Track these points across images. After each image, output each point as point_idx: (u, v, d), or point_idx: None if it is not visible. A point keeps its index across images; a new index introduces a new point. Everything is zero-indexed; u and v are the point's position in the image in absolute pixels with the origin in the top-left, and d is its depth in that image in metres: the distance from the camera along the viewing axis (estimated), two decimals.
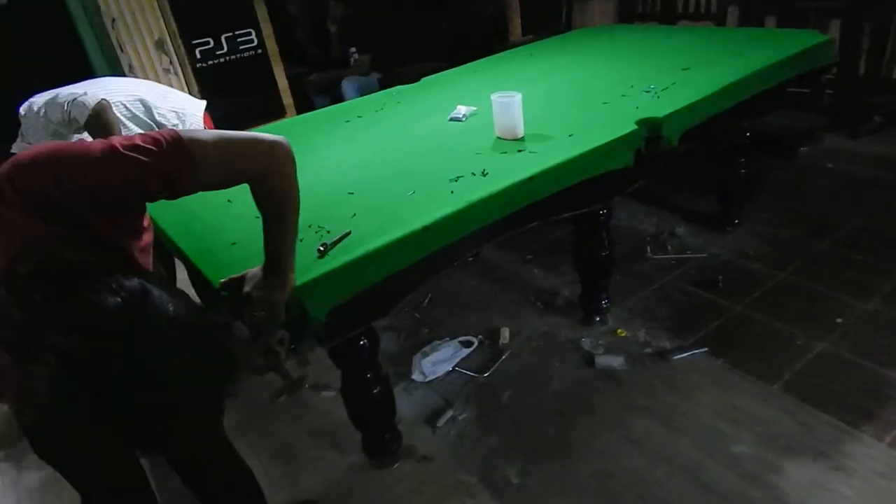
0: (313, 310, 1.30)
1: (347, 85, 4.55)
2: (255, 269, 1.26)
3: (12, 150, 2.11)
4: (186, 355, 0.84)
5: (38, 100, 2.03)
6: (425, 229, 1.44)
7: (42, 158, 0.94)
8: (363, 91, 4.43)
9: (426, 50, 5.31)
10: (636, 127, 1.84)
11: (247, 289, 1.24)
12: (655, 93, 2.09)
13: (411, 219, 1.48)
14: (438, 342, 2.43)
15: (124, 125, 2.15)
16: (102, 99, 1.96)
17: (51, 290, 0.87)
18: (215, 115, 2.79)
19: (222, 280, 1.29)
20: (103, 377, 0.80)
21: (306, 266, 1.32)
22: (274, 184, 1.11)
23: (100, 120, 1.94)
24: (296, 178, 1.14)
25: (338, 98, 4.52)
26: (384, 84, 4.48)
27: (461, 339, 2.43)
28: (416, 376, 2.28)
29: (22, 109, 2.07)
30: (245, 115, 3.56)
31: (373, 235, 1.43)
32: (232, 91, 3.64)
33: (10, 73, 3.86)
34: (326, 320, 1.33)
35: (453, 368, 2.30)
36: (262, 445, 2.08)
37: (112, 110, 2.00)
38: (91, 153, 0.95)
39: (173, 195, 1.01)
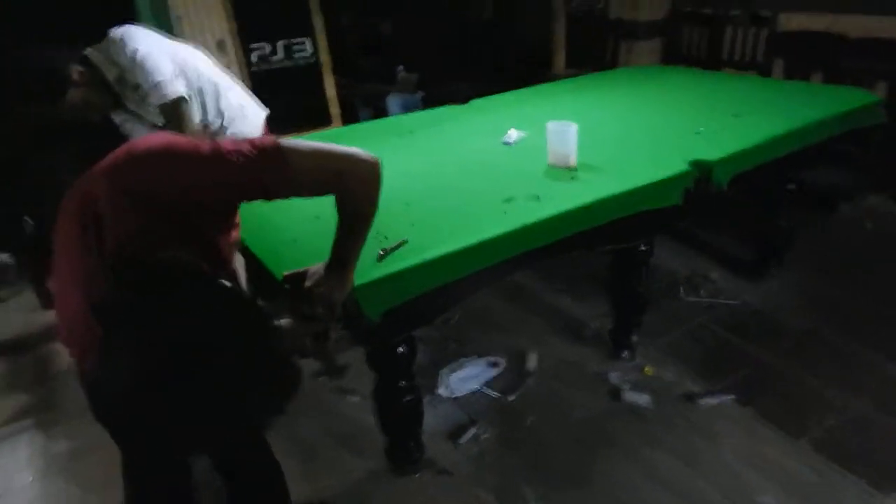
0: (369, 310, 1.33)
1: (392, 100, 4.65)
2: (317, 266, 1.30)
3: (86, 52, 2.07)
4: (259, 372, 0.87)
5: (135, 44, 2.00)
6: (480, 245, 1.48)
7: (157, 154, 1.00)
8: (407, 108, 4.53)
9: (470, 73, 5.40)
10: (688, 167, 1.88)
11: (308, 284, 1.28)
12: (707, 136, 2.13)
13: (466, 234, 1.52)
14: (466, 359, 2.45)
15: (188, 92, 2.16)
16: (181, 96, 2.02)
17: (148, 284, 0.92)
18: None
19: (286, 273, 1.33)
20: (183, 376, 0.83)
21: (365, 268, 1.36)
22: (358, 200, 1.16)
23: (174, 110, 2.00)
24: (378, 197, 1.18)
25: (381, 112, 4.62)
26: (427, 102, 4.57)
27: (488, 359, 2.45)
28: (441, 391, 2.30)
29: (119, 32, 2.03)
30: (293, 120, 3.64)
31: (428, 246, 1.47)
32: (283, 96, 3.71)
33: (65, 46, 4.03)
34: (379, 322, 1.37)
35: (479, 387, 2.32)
36: (284, 442, 2.10)
37: (187, 107, 2.05)
38: (202, 155, 1.01)
39: (268, 199, 1.07)
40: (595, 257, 3.02)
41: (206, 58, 2.33)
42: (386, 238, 1.52)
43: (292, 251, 1.52)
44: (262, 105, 2.50)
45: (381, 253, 1.45)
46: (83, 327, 1.05)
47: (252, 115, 2.39)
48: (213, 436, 0.93)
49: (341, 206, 1.17)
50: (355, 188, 1.14)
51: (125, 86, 2.16)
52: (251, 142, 1.04)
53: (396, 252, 1.47)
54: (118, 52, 2.04)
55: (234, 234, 1.16)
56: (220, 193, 1.03)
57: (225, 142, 1.04)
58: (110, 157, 1.02)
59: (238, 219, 1.17)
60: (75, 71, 2.03)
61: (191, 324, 0.84)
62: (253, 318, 0.90)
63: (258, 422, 0.91)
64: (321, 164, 1.09)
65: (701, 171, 1.90)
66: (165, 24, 3.26)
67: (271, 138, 1.06)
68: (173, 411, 0.85)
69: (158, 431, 1.22)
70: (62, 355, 2.71)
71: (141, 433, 1.22)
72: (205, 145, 1.02)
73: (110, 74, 2.08)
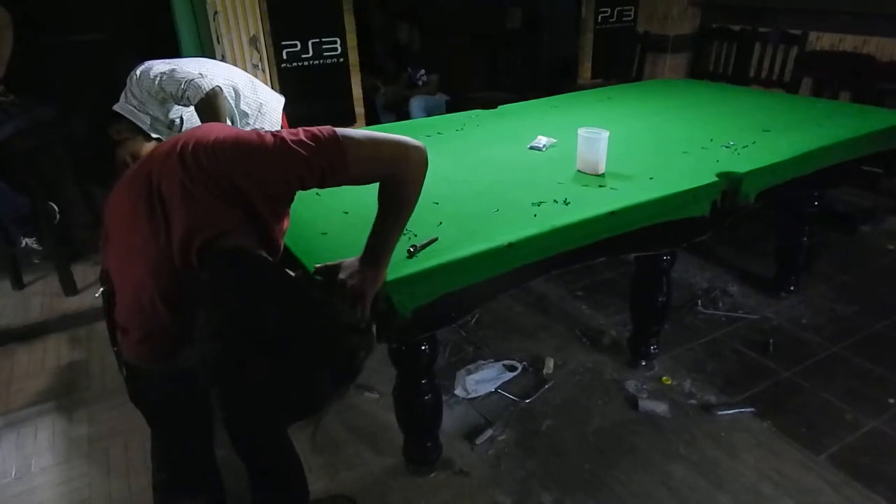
0: (401, 306, 1.35)
1: (415, 103, 4.68)
2: (351, 260, 1.32)
3: (115, 108, 2.17)
4: (326, 356, 0.89)
5: (158, 67, 2.11)
6: (510, 246, 1.49)
7: (225, 144, 1.03)
8: (430, 110, 4.56)
9: (495, 79, 5.44)
10: (717, 179, 1.88)
11: (341, 276, 1.30)
12: (736, 149, 2.13)
13: (496, 234, 1.53)
14: (483, 362, 2.46)
15: None
16: (217, 86, 2.07)
17: (219, 275, 0.95)
18: (290, 114, 2.89)
19: (318, 265, 1.35)
20: (258, 361, 0.86)
21: (396, 264, 1.38)
22: (404, 187, 1.18)
23: (211, 103, 2.04)
24: (422, 185, 1.20)
25: (404, 115, 4.65)
26: (451, 106, 4.60)
27: (505, 362, 2.46)
28: (458, 392, 2.31)
29: (138, 71, 2.13)
30: (318, 118, 3.67)
31: (458, 244, 1.49)
32: (310, 93, 3.77)
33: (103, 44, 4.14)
34: (410, 318, 1.39)
35: (495, 390, 2.32)
36: (303, 434, 2.12)
37: (223, 96, 2.10)
38: (266, 145, 1.04)
39: (322, 186, 1.09)
40: (615, 267, 3.04)
41: (221, 63, 2.39)
42: (415, 235, 1.54)
43: (324, 244, 1.55)
44: (279, 95, 2.55)
45: (411, 250, 1.47)
46: (150, 311, 1.06)
47: (270, 111, 2.44)
48: (278, 419, 0.94)
49: (387, 193, 1.19)
50: (404, 175, 1.16)
51: (161, 126, 2.23)
52: (309, 131, 1.07)
53: (426, 250, 1.48)
54: (142, 85, 2.13)
55: (286, 223, 1.19)
56: (284, 182, 1.06)
57: (284, 132, 1.07)
58: (175, 144, 1.05)
59: (289, 209, 1.19)
60: (113, 130, 2.13)
61: (263, 309, 0.86)
62: (318, 305, 0.92)
63: (321, 406, 0.93)
64: (375, 152, 1.12)
65: (729, 184, 1.90)
66: (203, 19, 3.32)
67: (328, 128, 1.09)
68: (245, 395, 0.87)
69: (206, 415, 1.25)
70: (84, 340, 2.76)
71: (188, 417, 1.25)
72: (268, 136, 1.06)
73: (143, 124, 2.16)
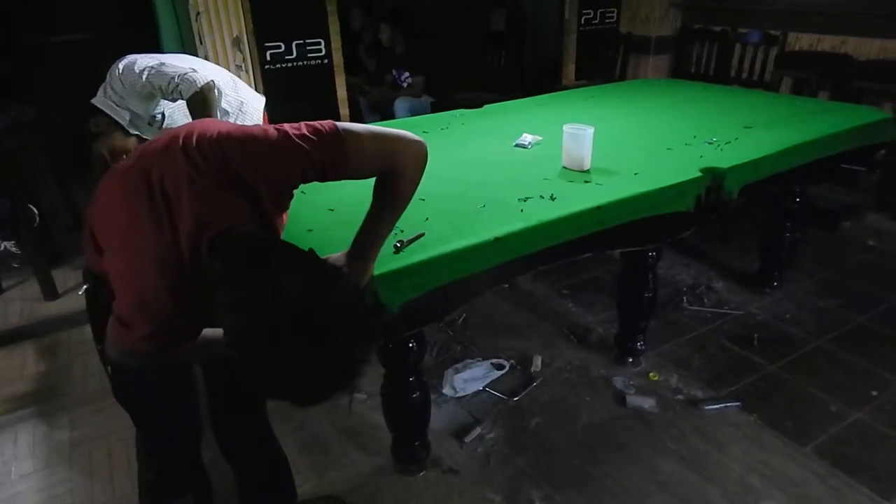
0: (388, 301, 1.34)
1: (400, 104, 4.68)
2: (337, 255, 1.31)
3: (93, 102, 2.12)
4: (346, 332, 0.89)
5: (143, 61, 2.06)
6: (496, 241, 1.49)
7: (231, 138, 1.02)
8: (415, 112, 4.55)
9: (480, 81, 5.45)
10: (700, 174, 1.90)
11: None
12: (719, 145, 2.15)
13: (483, 229, 1.53)
14: (470, 361, 2.45)
15: None
16: (211, 80, 2.04)
17: (232, 257, 0.94)
18: (274, 116, 2.87)
19: None
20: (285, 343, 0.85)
21: (383, 259, 1.37)
22: (402, 182, 1.18)
23: (205, 98, 2.00)
24: (420, 180, 1.20)
25: (389, 117, 4.65)
26: (436, 108, 4.59)
27: (493, 360, 2.45)
28: (446, 391, 2.30)
29: (120, 65, 2.07)
30: (302, 119, 3.65)
31: (445, 240, 1.49)
32: (294, 95, 3.75)
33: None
34: (396, 314, 1.38)
35: (484, 388, 2.32)
36: (291, 435, 2.10)
37: (216, 92, 2.08)
38: (271, 138, 1.03)
39: (323, 180, 1.09)
40: (602, 265, 3.06)
41: (202, 61, 2.36)
42: (401, 231, 1.53)
43: (309, 240, 1.53)
44: (260, 95, 2.53)
45: (398, 245, 1.46)
46: (156, 307, 1.03)
47: (251, 111, 2.41)
48: (314, 390, 0.93)
49: (384, 187, 1.19)
50: (404, 169, 1.16)
51: (141, 122, 2.19)
52: (311, 125, 1.07)
53: (413, 245, 1.48)
54: (126, 80, 2.07)
55: (285, 217, 1.19)
56: (286, 176, 1.06)
57: (286, 125, 1.06)
58: (174, 137, 1.04)
59: (289, 204, 1.19)
60: (92, 123, 2.09)
61: (281, 282, 0.86)
62: (332, 272, 0.93)
63: (353, 370, 0.93)
64: (376, 146, 1.12)
65: (713, 178, 1.92)
66: (185, 20, 3.29)
67: (329, 122, 1.09)
68: (275, 368, 0.87)
69: (194, 413, 1.23)
70: (66, 345, 2.71)
71: (176, 415, 1.23)
72: (271, 129, 1.06)
73: (122, 119, 2.12)
